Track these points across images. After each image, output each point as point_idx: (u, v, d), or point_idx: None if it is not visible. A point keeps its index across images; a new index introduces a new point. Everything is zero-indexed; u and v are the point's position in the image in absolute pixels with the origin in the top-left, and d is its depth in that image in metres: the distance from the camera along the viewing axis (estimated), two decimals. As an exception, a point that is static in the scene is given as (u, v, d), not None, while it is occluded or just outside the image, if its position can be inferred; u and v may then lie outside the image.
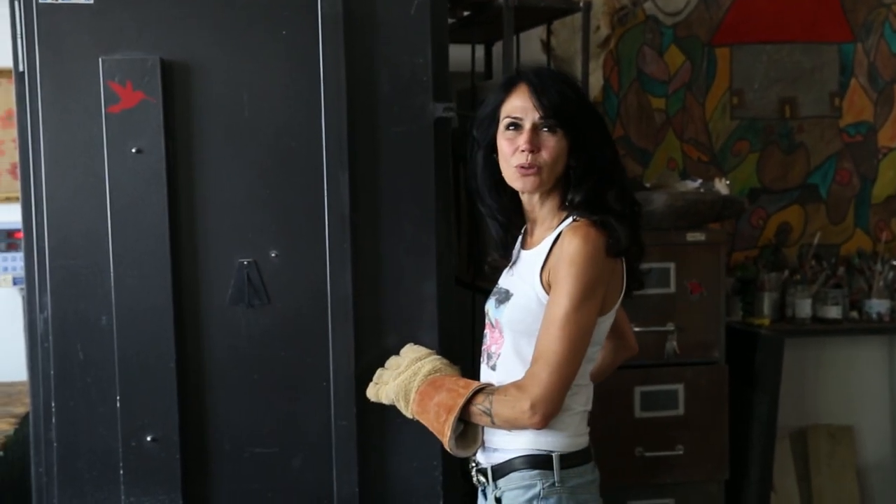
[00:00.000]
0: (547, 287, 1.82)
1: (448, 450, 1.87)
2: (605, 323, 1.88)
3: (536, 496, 1.83)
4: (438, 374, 1.95)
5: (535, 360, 1.79)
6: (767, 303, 3.80)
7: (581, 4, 2.91)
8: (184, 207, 2.07)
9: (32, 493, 2.13)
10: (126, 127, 2.03)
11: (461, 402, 1.82)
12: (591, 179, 1.84)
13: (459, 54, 3.22)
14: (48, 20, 2.06)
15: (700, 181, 3.33)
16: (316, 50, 2.08)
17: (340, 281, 2.10)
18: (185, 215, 2.07)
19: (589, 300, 1.77)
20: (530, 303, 1.84)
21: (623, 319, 2.10)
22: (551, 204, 1.89)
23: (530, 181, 1.83)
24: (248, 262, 2.11)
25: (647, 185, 3.43)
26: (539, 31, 3.37)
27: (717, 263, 3.14)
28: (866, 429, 4.09)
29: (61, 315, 2.08)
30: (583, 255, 1.76)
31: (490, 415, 1.81)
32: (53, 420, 2.10)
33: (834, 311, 3.81)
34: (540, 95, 1.82)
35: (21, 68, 2.11)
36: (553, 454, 1.85)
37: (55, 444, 2.10)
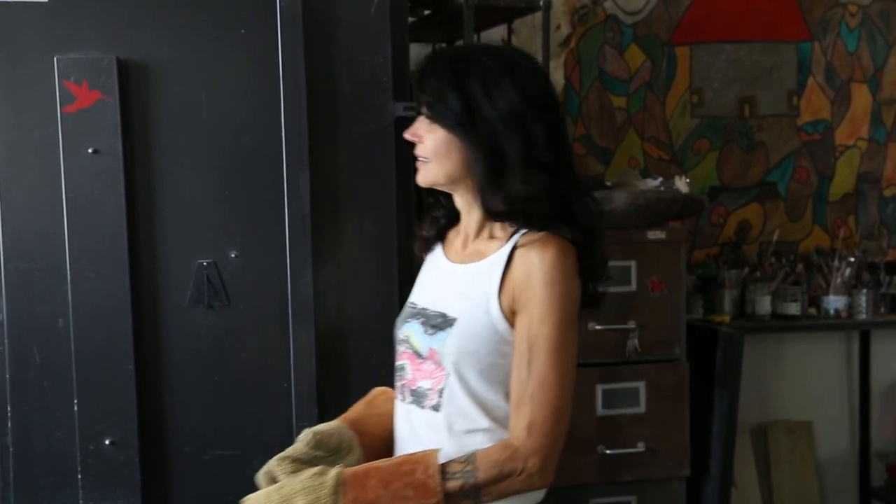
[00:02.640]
0: (509, 314, 1.56)
1: None
2: None
3: None
4: (340, 483, 1.51)
5: (521, 405, 1.52)
6: (728, 300, 3.83)
7: (541, 3, 2.91)
8: (142, 208, 2.05)
9: (-11, 498, 2.11)
10: (82, 127, 2.01)
11: (440, 498, 1.50)
12: (509, 180, 1.56)
13: (420, 53, 3.22)
14: (2, 18, 2.03)
15: (661, 179, 3.35)
16: (275, 49, 2.06)
17: (301, 281, 2.09)
18: (144, 216, 2.05)
19: (574, 324, 1.54)
20: (483, 330, 1.57)
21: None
22: (478, 212, 1.64)
23: (419, 173, 1.64)
24: (208, 262, 2.10)
25: (609, 183, 3.45)
26: (500, 31, 3.38)
27: (677, 261, 3.15)
28: (825, 424, 4.14)
29: (17, 317, 2.05)
30: (561, 272, 1.52)
31: (478, 496, 1.51)
32: (9, 425, 2.07)
33: (793, 308, 3.85)
34: (420, 81, 1.63)
35: (-26, 69, 2.07)
36: None
37: (11, 450, 2.07)
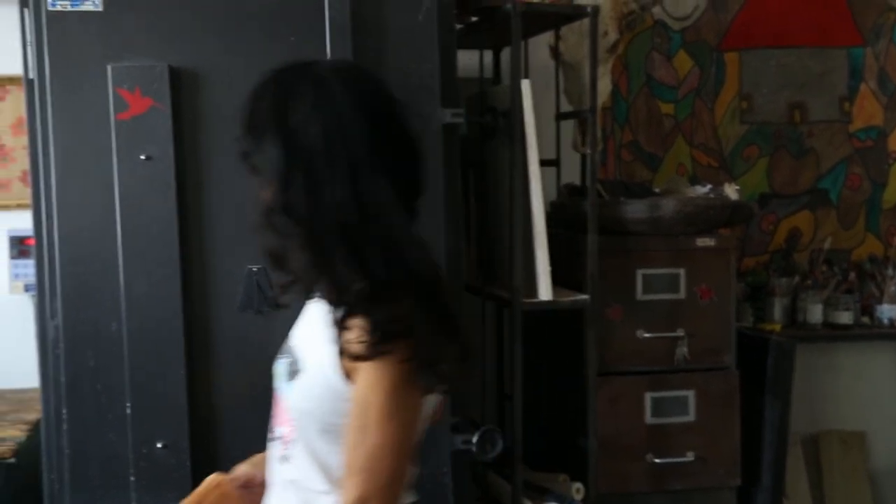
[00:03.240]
0: (350, 371, 1.41)
1: None
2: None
3: None
4: None
5: (351, 475, 1.40)
6: (778, 308, 3.78)
7: (589, 9, 2.89)
8: (193, 214, 2.07)
9: (44, 499, 2.13)
10: (135, 134, 2.03)
11: None
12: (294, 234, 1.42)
13: (467, 60, 3.22)
14: (57, 27, 2.07)
15: (710, 186, 3.32)
16: (323, 56, 2.07)
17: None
18: (194, 222, 2.07)
19: (410, 389, 1.40)
20: (323, 386, 1.45)
21: None
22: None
23: None
24: (258, 269, 2.10)
25: (657, 190, 3.42)
26: (547, 37, 3.36)
27: (727, 269, 3.13)
28: (878, 434, 4.06)
29: (72, 322, 2.08)
30: None
31: None
32: (64, 427, 2.10)
33: (845, 317, 3.80)
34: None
35: (31, 76, 2.11)
36: None
37: (66, 451, 2.10)
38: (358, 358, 1.37)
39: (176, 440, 2.07)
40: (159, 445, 2.07)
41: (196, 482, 2.07)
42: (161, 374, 2.06)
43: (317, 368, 1.45)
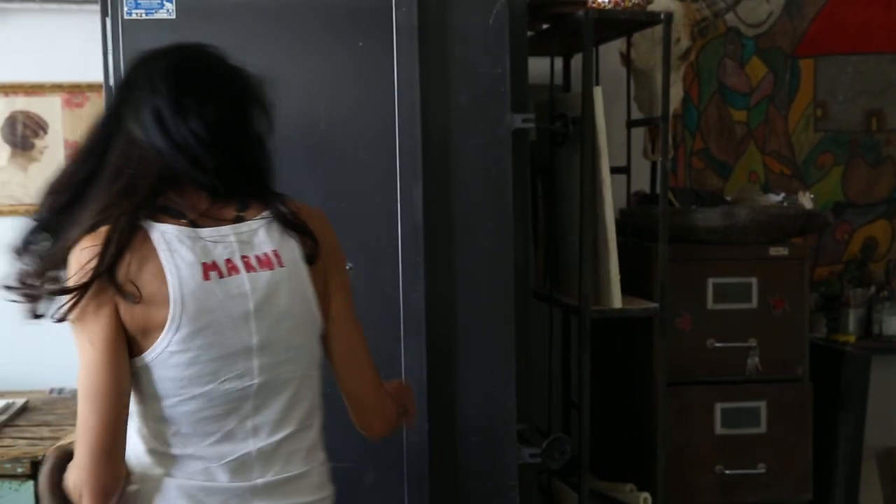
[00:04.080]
0: None
1: None
2: (154, 369, 1.42)
3: None
4: None
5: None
6: (853, 319, 3.62)
7: (662, 16, 2.80)
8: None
9: None
10: (202, 140, 1.98)
11: None
12: None
13: (538, 67, 3.14)
14: (132, 35, 2.05)
15: (783, 195, 3.21)
16: (392, 61, 2.01)
17: (413, 294, 2.03)
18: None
19: (79, 335, 1.42)
20: None
21: (342, 383, 1.63)
22: None
23: None
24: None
25: (729, 198, 3.32)
26: (619, 44, 3.27)
27: (800, 278, 3.02)
28: (956, 449, 3.87)
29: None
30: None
31: None
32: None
33: (923, 329, 3.62)
34: None
35: (111, 83, 2.09)
36: None
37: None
38: None
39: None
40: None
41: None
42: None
43: None
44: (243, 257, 1.46)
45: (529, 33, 2.64)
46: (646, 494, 2.80)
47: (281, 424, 1.50)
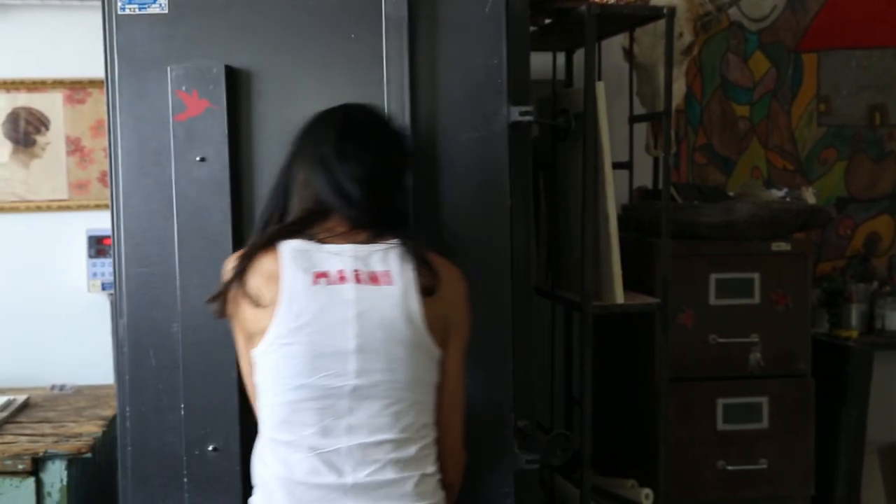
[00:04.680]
0: None
1: None
2: (265, 359, 1.66)
3: None
4: None
5: None
6: (855, 315, 3.56)
7: (665, 11, 2.74)
8: (246, 215, 1.98)
9: (119, 493, 2.07)
10: (191, 135, 1.95)
11: None
12: None
13: (540, 62, 3.08)
14: (126, 30, 2.01)
15: (785, 190, 3.18)
16: (381, 51, 1.95)
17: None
18: (248, 223, 1.97)
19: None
20: None
21: (439, 395, 1.74)
22: None
23: None
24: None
25: (731, 194, 3.27)
26: (621, 39, 3.22)
27: (803, 274, 2.98)
28: (958, 444, 3.81)
29: (135, 322, 2.01)
30: None
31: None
32: (128, 424, 2.03)
33: (924, 324, 3.56)
34: None
35: (113, 79, 2.04)
36: None
37: (129, 449, 2.04)
38: None
39: (227, 444, 1.98)
40: (211, 448, 1.98)
41: (245, 487, 1.98)
42: (213, 376, 1.97)
43: None
44: (355, 271, 1.63)
45: (532, 28, 2.59)
46: (647, 490, 2.76)
47: (377, 430, 1.62)
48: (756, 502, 3.00)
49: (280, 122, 1.97)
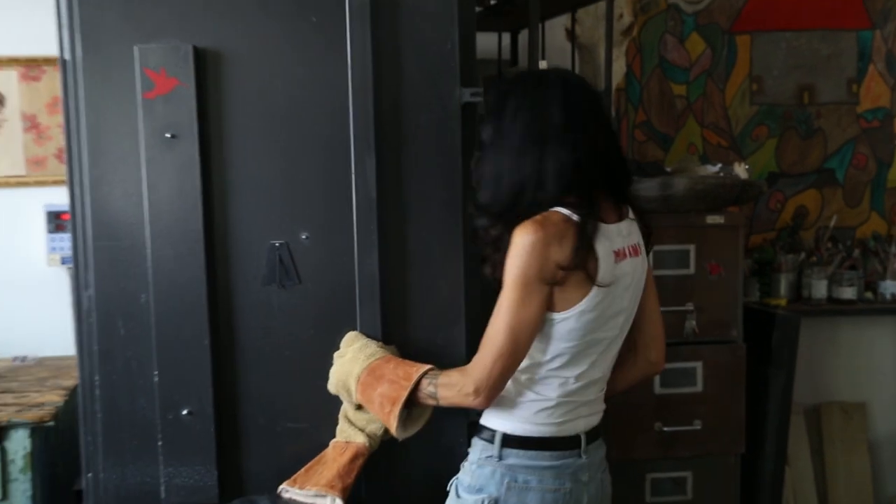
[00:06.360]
0: None
1: (395, 436, 1.95)
2: (566, 323, 1.85)
3: (477, 461, 1.94)
4: (374, 358, 1.97)
5: (480, 345, 1.85)
6: (784, 284, 3.73)
7: (605, -7, 2.84)
8: (217, 191, 2.03)
9: (82, 460, 2.11)
10: (161, 112, 1.98)
11: (404, 394, 1.89)
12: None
13: (485, 42, 3.17)
14: (89, 9, 2.02)
15: (720, 165, 3.27)
16: (345, 37, 2.02)
17: (367, 262, 2.05)
18: (218, 198, 2.03)
19: (530, 294, 1.80)
20: None
21: (643, 331, 2.11)
22: None
23: None
24: (280, 243, 2.07)
25: (669, 169, 3.37)
26: (564, 20, 3.31)
27: (735, 245, 3.08)
28: (879, 405, 4.02)
29: (104, 293, 2.04)
30: (519, 247, 1.80)
31: (437, 398, 1.90)
32: (97, 392, 2.07)
33: (849, 292, 3.74)
34: None
35: (66, 56, 2.07)
36: (497, 432, 1.93)
37: (99, 416, 2.07)
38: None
39: (201, 407, 2.04)
40: (185, 412, 2.04)
41: (220, 449, 2.06)
42: (186, 343, 2.02)
43: None
44: (629, 247, 1.92)
45: (478, 9, 2.66)
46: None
47: (610, 367, 2.02)
48: (690, 461, 3.09)
49: (249, 102, 2.03)
